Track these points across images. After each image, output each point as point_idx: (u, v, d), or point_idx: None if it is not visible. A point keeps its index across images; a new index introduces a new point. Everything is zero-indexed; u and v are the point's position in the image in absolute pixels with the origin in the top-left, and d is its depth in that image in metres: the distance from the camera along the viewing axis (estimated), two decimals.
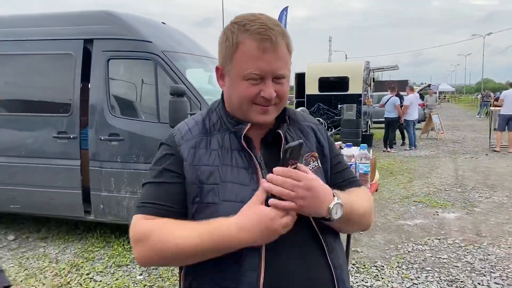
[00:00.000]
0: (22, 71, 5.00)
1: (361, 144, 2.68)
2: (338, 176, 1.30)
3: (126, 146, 4.54)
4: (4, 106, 5.04)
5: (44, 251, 4.78)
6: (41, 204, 4.89)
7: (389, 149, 12.24)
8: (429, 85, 24.42)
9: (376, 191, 3.00)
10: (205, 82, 5.45)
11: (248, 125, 1.17)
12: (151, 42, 4.55)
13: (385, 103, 12.35)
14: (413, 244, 4.92)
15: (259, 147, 1.21)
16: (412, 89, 12.89)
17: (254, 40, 1.10)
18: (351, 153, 2.66)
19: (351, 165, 2.62)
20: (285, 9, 18.25)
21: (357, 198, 1.22)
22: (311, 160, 1.23)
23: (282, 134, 1.20)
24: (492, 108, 13.29)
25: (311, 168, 1.20)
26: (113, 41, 4.64)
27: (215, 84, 5.75)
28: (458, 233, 5.28)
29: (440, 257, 4.53)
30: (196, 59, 5.30)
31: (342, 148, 2.74)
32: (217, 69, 1.22)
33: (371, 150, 2.91)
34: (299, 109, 3.00)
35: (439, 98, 35.57)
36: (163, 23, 5.45)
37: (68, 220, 5.48)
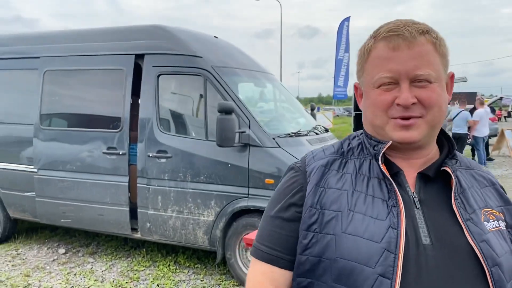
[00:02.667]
0: (74, 86, 5.05)
1: None
2: None
3: (173, 163, 4.39)
4: (56, 121, 5.10)
5: (92, 268, 4.73)
6: (90, 220, 4.85)
7: None
8: (500, 98, 22.77)
9: None
10: (256, 98, 5.21)
11: (389, 143, 0.96)
12: (201, 57, 4.39)
13: (454, 117, 11.51)
14: None
15: (413, 182, 0.98)
16: (482, 103, 11.94)
17: (384, 40, 0.94)
18: None
19: None
20: (346, 19, 17.72)
21: None
22: (490, 218, 0.97)
23: (450, 171, 0.97)
24: None
25: (490, 227, 0.95)
26: (164, 56, 4.53)
27: (268, 100, 5.58)
28: None
29: None
30: (248, 74, 5.08)
31: None
32: (355, 87, 1.07)
33: None
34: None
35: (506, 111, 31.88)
36: (215, 37, 5.30)
37: (117, 235, 5.44)
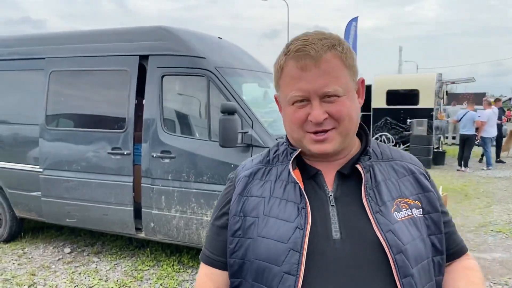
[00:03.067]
0: (79, 87, 5.09)
1: None
2: (448, 242, 1.12)
3: (177, 164, 4.41)
4: (62, 121, 5.14)
5: (96, 267, 4.76)
6: (95, 219, 4.89)
7: (463, 169, 11.29)
8: (510, 99, 22.51)
9: None
10: (259, 98, 5.22)
11: (296, 152, 1.08)
12: (205, 58, 4.41)
13: (461, 118, 11.45)
14: (491, 284, 4.31)
15: (332, 181, 1.06)
16: (489, 104, 11.87)
17: (293, 59, 0.99)
18: None
19: None
20: (354, 19, 17.66)
21: None
22: (403, 207, 1.04)
23: (361, 168, 1.05)
24: None
25: (401, 217, 1.02)
26: (168, 57, 4.55)
27: (272, 100, 5.57)
28: None
29: None
30: (251, 74, 5.09)
31: None
32: (275, 99, 1.15)
33: (440, 187, 2.48)
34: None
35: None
36: (219, 38, 5.31)
37: (122, 235, 5.47)
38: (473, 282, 1.09)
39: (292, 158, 1.07)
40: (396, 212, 1.02)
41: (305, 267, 0.96)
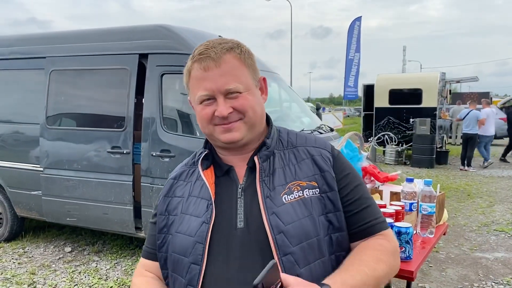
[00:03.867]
0: (79, 86, 5.08)
1: (425, 179, 2.23)
2: (352, 221, 1.15)
3: (177, 163, 4.37)
4: (62, 120, 5.14)
5: (96, 266, 4.76)
6: (95, 218, 4.88)
7: (466, 168, 11.23)
8: None
9: (444, 234, 2.53)
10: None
11: (204, 153, 1.22)
12: None
13: (464, 117, 11.39)
14: (493, 283, 4.28)
15: (243, 174, 1.17)
16: (488, 104, 11.82)
17: (197, 62, 1.10)
18: (413, 189, 2.23)
19: (411, 204, 2.20)
20: (358, 19, 17.69)
21: (364, 267, 1.05)
22: (295, 189, 1.12)
23: (256, 159, 1.16)
24: None
25: (291, 198, 1.10)
26: (167, 56, 4.54)
27: (272, 99, 5.56)
28: None
29: None
30: None
31: (402, 181, 2.33)
32: (189, 102, 1.22)
33: (438, 186, 2.45)
34: (349, 134, 2.64)
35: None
36: (219, 36, 5.29)
37: (122, 234, 5.47)
38: (360, 259, 1.09)
39: (200, 159, 1.22)
40: (286, 195, 1.10)
41: (210, 257, 1.08)
